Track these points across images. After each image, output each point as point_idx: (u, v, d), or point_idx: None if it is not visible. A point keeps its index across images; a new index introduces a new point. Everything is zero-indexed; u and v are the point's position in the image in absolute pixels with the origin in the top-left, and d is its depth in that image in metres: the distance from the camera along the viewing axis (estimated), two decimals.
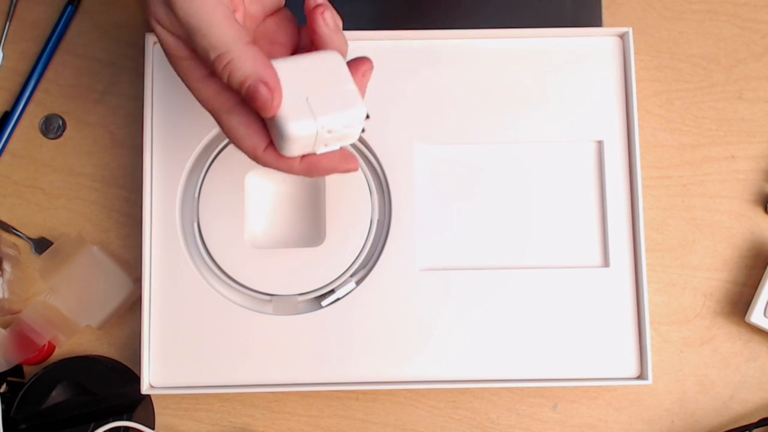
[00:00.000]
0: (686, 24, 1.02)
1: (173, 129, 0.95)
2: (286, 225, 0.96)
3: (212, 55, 0.72)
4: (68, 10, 1.01)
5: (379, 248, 0.95)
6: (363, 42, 0.97)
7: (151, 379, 0.93)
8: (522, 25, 0.99)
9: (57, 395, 0.94)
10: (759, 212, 1.00)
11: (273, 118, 0.74)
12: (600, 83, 0.97)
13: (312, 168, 0.78)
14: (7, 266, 0.95)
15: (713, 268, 0.99)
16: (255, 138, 0.76)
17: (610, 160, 0.96)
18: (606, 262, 0.95)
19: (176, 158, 0.95)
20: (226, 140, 0.94)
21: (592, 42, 0.97)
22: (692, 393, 0.98)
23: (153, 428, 0.96)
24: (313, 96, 0.74)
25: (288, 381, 0.93)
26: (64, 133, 1.00)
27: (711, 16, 1.02)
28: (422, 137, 0.96)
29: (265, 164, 0.78)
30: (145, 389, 0.92)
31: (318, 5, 0.76)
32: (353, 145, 0.95)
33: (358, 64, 0.79)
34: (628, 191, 0.96)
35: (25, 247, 0.99)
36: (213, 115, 0.77)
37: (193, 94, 0.77)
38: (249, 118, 0.76)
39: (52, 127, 1.00)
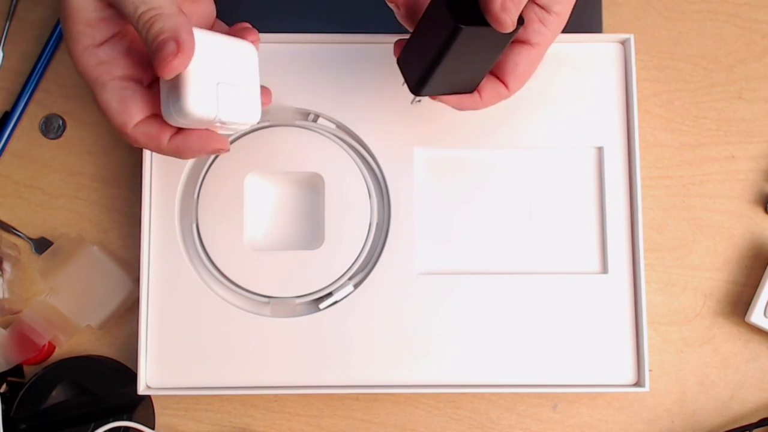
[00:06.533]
0: (686, 24, 1.02)
1: None
2: (284, 227, 0.96)
3: (142, 8, 0.73)
4: None
5: (377, 252, 0.95)
6: (364, 45, 0.97)
7: (148, 379, 0.93)
8: None
9: (57, 395, 0.94)
10: (759, 212, 0.99)
11: (177, 85, 0.75)
12: (601, 89, 0.96)
13: (180, 150, 0.79)
14: (7, 266, 0.95)
15: (713, 268, 0.99)
16: (126, 115, 0.77)
17: (609, 167, 0.96)
18: (604, 269, 0.95)
19: (176, 159, 0.95)
20: None
21: (593, 48, 0.97)
22: (692, 393, 0.98)
23: (153, 428, 0.96)
24: (223, 84, 0.76)
25: (286, 383, 0.93)
26: (64, 133, 1.00)
27: (711, 16, 1.02)
28: (422, 141, 0.96)
29: (133, 141, 0.79)
30: (141, 390, 0.92)
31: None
32: (352, 147, 0.95)
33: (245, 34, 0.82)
34: (627, 198, 0.95)
35: (25, 247, 0.99)
36: (89, 86, 0.77)
37: (74, 61, 0.77)
38: (123, 94, 0.77)
39: (52, 127, 1.00)
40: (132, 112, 0.77)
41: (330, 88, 0.96)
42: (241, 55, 0.79)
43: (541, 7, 0.79)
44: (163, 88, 0.77)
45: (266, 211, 0.96)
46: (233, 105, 0.77)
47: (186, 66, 0.74)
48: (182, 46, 0.72)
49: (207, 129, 0.80)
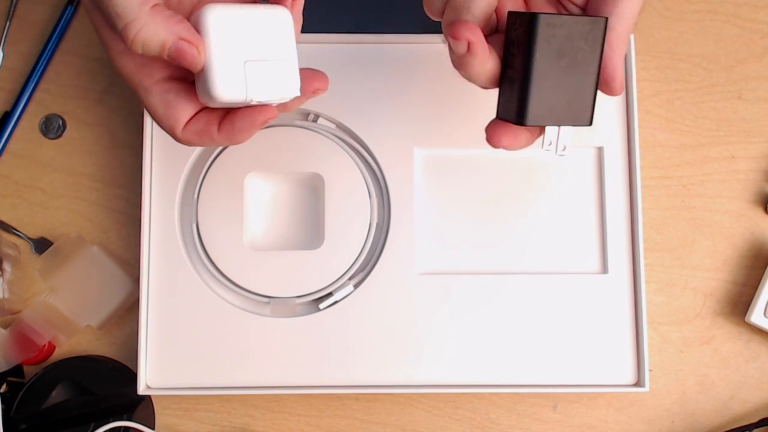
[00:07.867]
0: (686, 24, 1.02)
1: None
2: (285, 227, 0.96)
3: (119, 26, 0.68)
4: (68, 10, 1.01)
5: (377, 252, 0.95)
6: (364, 45, 0.96)
7: (149, 379, 0.93)
8: None
9: (57, 395, 0.94)
10: (759, 212, 0.99)
11: (203, 70, 0.71)
12: None
13: (232, 135, 0.75)
14: (7, 266, 0.95)
15: (713, 268, 0.99)
16: (172, 119, 0.75)
17: (609, 167, 0.96)
18: (604, 269, 0.95)
19: (176, 159, 0.95)
20: None
21: None
22: (692, 393, 0.98)
23: (153, 428, 0.96)
24: (251, 62, 0.72)
25: (286, 383, 0.93)
26: (64, 133, 1.00)
27: (711, 16, 1.02)
28: (422, 141, 0.96)
29: (185, 143, 0.76)
30: (141, 390, 0.92)
31: None
32: (352, 147, 0.95)
33: (311, 80, 0.76)
34: (627, 198, 0.95)
35: (25, 247, 0.99)
36: (135, 92, 0.75)
37: (116, 69, 0.75)
38: (167, 98, 0.74)
39: (52, 127, 1.00)
40: (178, 116, 0.75)
41: (330, 88, 0.96)
42: (273, 23, 0.72)
43: None
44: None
45: (266, 212, 0.96)
46: (265, 82, 0.72)
47: (204, 54, 0.71)
48: (194, 41, 0.70)
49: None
